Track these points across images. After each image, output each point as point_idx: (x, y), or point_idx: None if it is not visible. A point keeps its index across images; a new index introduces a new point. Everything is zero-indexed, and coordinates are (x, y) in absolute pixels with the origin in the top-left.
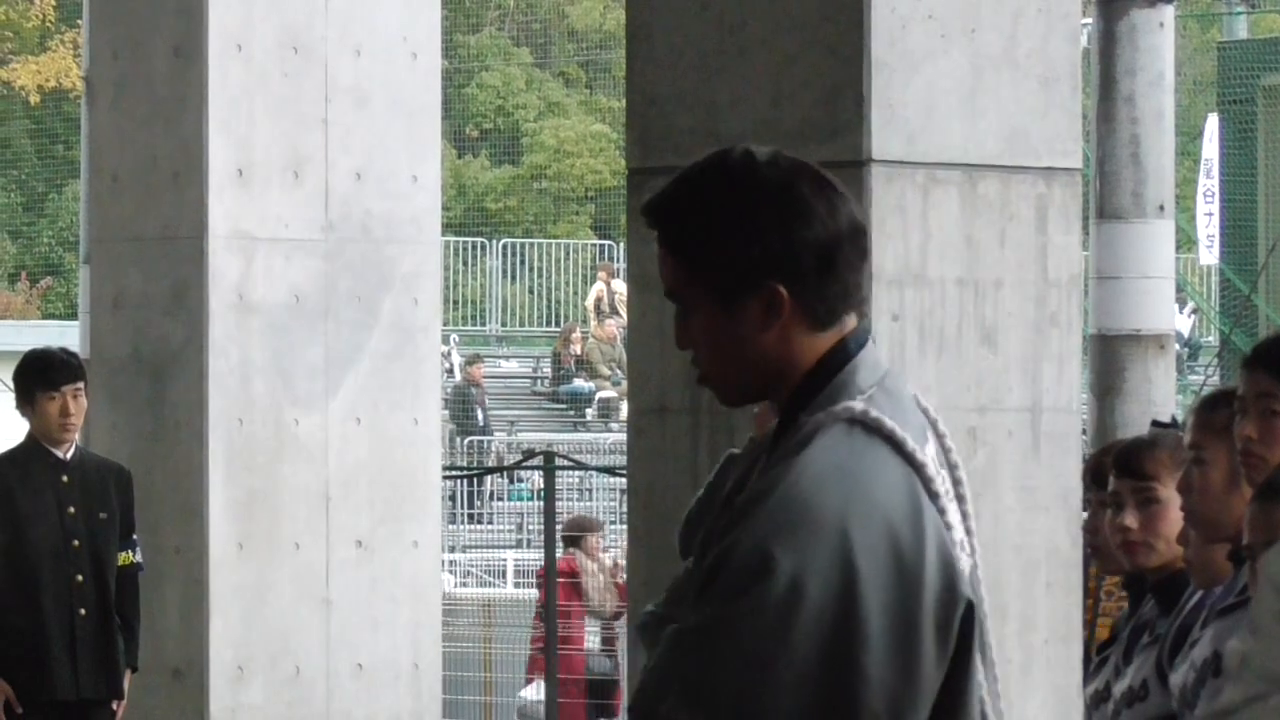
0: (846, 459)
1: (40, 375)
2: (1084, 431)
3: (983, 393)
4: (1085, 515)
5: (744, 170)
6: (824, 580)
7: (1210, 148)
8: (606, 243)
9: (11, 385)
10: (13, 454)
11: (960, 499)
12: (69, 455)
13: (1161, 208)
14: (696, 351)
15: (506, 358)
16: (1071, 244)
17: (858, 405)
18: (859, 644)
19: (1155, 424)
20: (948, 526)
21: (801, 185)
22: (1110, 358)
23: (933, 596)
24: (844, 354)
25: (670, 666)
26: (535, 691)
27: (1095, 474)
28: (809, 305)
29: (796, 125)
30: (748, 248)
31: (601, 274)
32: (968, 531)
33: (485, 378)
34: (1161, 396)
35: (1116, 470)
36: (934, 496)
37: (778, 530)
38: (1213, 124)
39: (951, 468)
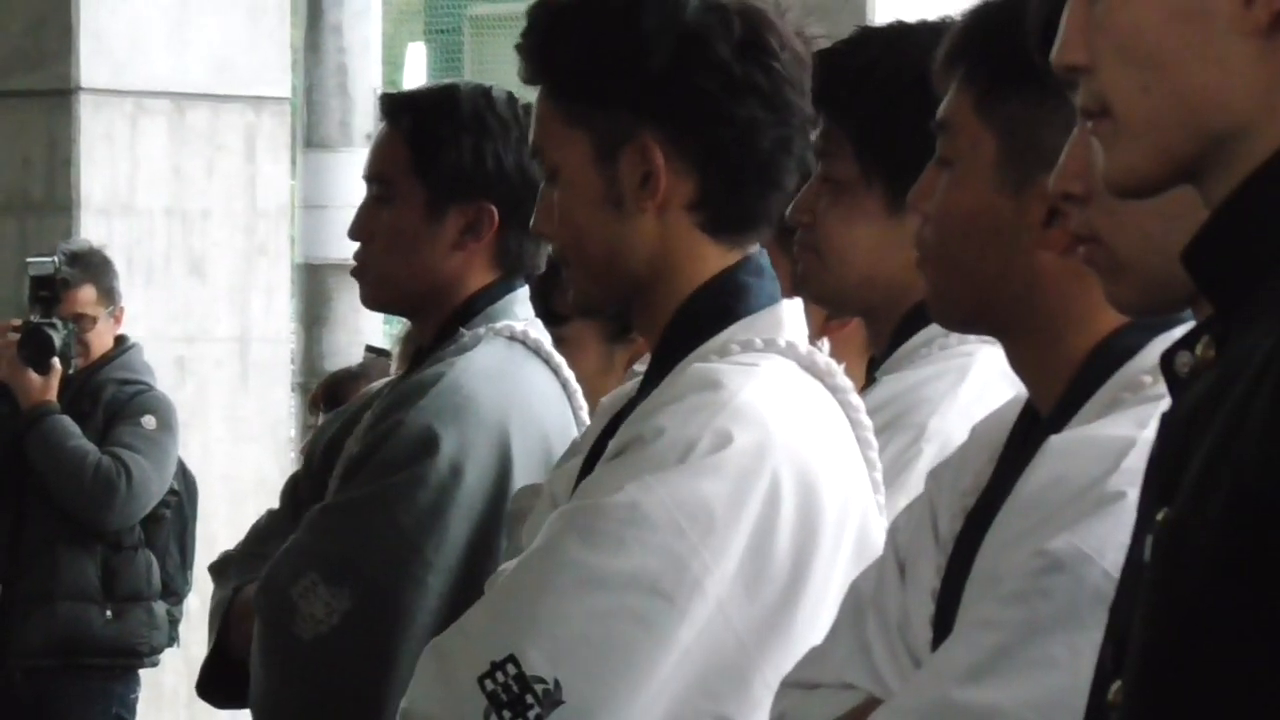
0: (508, 366)
1: None
2: (292, 361)
3: (191, 323)
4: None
5: (489, 96)
6: (482, 469)
7: (413, 77)
8: None
9: None
10: None
11: None
12: None
13: (368, 137)
14: (368, 244)
15: None
16: (280, 173)
17: (518, 325)
18: (502, 536)
19: (369, 350)
20: None
21: (527, 121)
22: (318, 287)
23: None
24: (509, 285)
25: (313, 544)
26: None
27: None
28: (507, 238)
29: (4, 54)
30: (477, 162)
31: None
32: None
33: None
34: (368, 326)
35: (326, 404)
36: (582, 422)
37: (443, 414)
38: (416, 53)
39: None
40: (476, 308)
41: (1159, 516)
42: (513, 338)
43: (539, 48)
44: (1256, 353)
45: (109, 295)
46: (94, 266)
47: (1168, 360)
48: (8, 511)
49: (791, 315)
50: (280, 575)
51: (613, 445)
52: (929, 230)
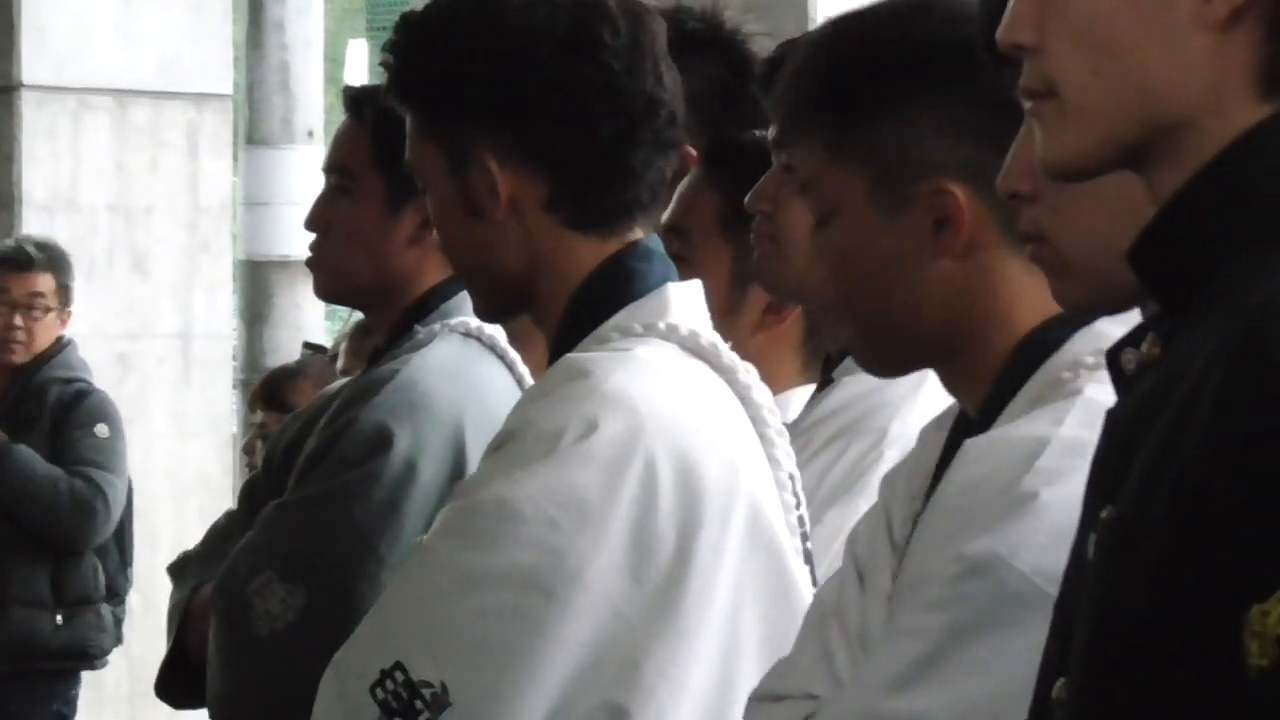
0: (463, 362)
1: None
2: (234, 358)
3: (134, 319)
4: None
5: None
6: (437, 465)
7: (355, 73)
8: None
9: None
10: None
11: None
12: None
13: (311, 134)
14: (324, 235)
15: None
16: (222, 170)
17: (473, 321)
18: None
19: (307, 346)
20: None
21: None
22: (259, 284)
23: None
24: (455, 286)
25: (269, 541)
26: None
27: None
28: None
29: None
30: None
31: None
32: None
33: None
34: (310, 322)
35: (263, 400)
36: None
37: (397, 410)
38: (358, 50)
39: None
40: (431, 304)
41: (1103, 515)
42: (468, 334)
43: (390, 67)
44: (1202, 352)
45: (64, 292)
46: (57, 260)
47: (1113, 357)
48: None
49: (681, 298)
50: (236, 572)
51: (491, 442)
52: (831, 288)
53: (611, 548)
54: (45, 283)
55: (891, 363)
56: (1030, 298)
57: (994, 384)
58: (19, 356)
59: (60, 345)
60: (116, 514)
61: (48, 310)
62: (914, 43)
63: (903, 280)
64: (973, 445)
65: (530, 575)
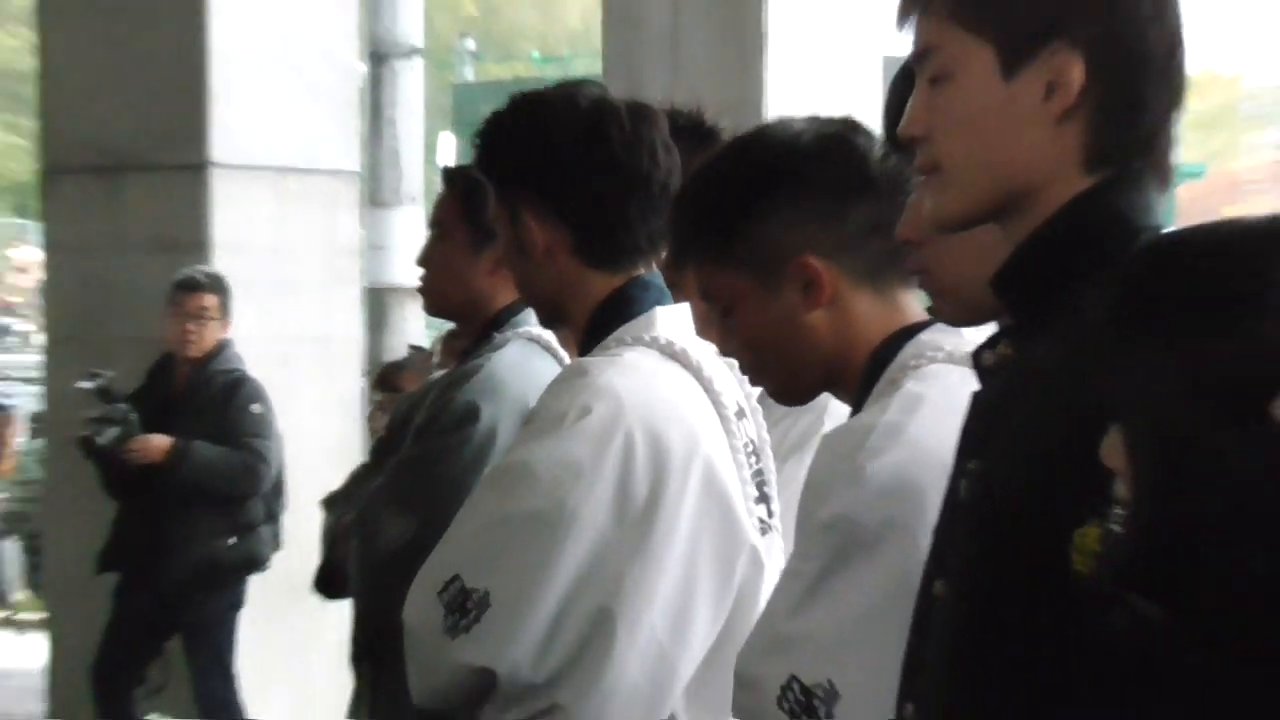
0: (526, 361)
1: None
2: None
3: (291, 328)
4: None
5: None
6: (509, 433)
7: (444, 156)
8: (20, 221)
9: None
10: None
11: None
12: None
13: (414, 199)
14: (429, 270)
15: None
16: (352, 224)
17: (535, 330)
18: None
19: (411, 347)
20: None
21: None
22: (379, 304)
23: None
24: (521, 305)
25: (392, 485)
26: None
27: (379, 383)
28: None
29: (159, 134)
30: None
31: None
32: None
33: None
34: (415, 331)
35: (379, 384)
36: None
37: (483, 393)
38: (446, 139)
39: None
40: (504, 318)
41: (970, 466)
42: (531, 339)
43: (476, 150)
44: (1053, 354)
45: (224, 308)
46: (218, 284)
47: (977, 356)
48: (147, 491)
49: (667, 318)
50: (370, 507)
51: (525, 419)
52: (745, 359)
53: (600, 497)
54: (210, 300)
55: (802, 396)
56: (877, 322)
57: (857, 389)
58: (193, 351)
59: (221, 346)
60: (275, 466)
61: (212, 320)
62: (751, 165)
63: (793, 334)
64: (826, 435)
65: (542, 517)
